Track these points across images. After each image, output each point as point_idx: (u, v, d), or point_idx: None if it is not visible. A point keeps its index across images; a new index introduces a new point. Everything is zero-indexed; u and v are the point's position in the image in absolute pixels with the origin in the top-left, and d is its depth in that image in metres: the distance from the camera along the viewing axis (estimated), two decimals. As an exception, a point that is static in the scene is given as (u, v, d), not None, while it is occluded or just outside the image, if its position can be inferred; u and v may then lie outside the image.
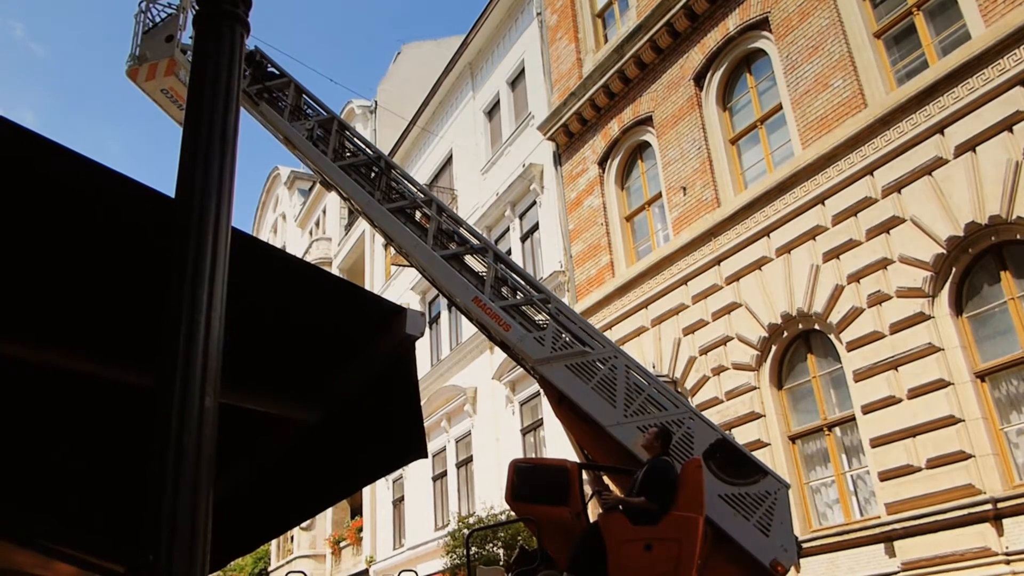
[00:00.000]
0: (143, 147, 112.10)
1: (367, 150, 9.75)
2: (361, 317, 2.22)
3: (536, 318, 8.09)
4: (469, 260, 8.63)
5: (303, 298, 2.17)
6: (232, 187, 1.82)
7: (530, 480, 6.78)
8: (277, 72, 10.13)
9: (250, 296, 2.02)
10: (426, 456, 2.34)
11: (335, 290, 2.24)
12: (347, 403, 2.45)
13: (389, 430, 2.41)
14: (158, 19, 10.31)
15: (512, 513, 7.74)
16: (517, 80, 19.19)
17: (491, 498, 15.77)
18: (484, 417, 18.20)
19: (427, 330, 20.63)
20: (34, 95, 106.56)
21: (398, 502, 22.44)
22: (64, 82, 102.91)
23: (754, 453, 8.43)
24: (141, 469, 1.66)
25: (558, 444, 13.37)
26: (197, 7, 2.01)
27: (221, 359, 1.68)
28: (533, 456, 15.65)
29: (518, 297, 8.28)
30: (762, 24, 12.17)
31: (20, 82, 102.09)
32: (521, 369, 9.71)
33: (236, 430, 2.31)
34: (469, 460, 18.76)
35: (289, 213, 36.96)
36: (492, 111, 20.18)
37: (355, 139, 9.88)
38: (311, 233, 33.30)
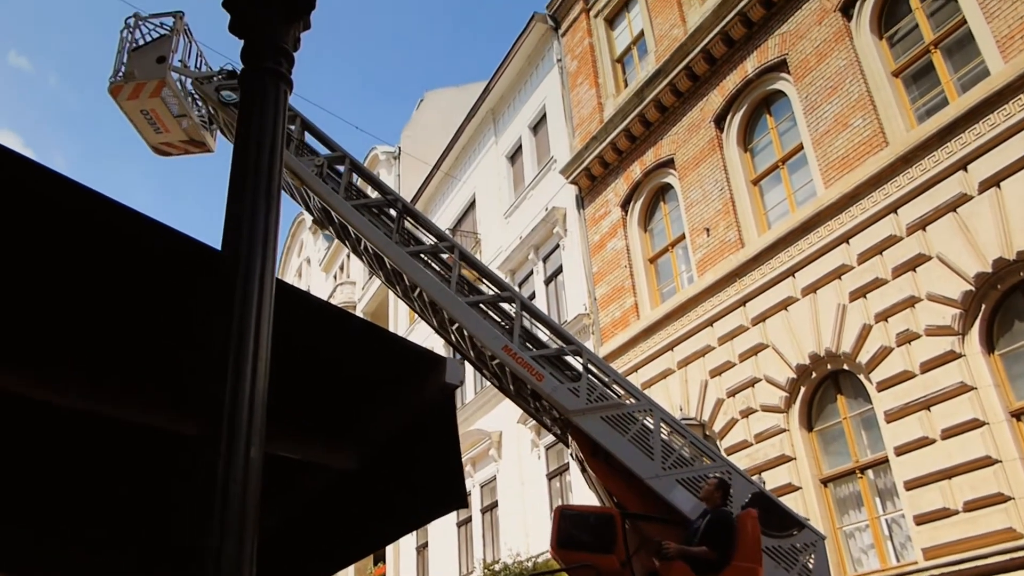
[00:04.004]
0: (165, 189, 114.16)
1: (382, 192, 9.34)
2: (400, 366, 2.25)
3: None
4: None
5: (343, 347, 2.20)
6: (276, 240, 1.87)
7: (577, 527, 6.77)
8: None
9: (291, 345, 2.06)
10: (465, 506, 2.35)
11: (374, 338, 2.27)
12: (385, 451, 2.47)
13: (427, 479, 2.43)
14: (148, 38, 10.11)
15: (543, 558, 7.68)
16: (539, 125, 19.44)
17: (517, 544, 15.57)
18: (509, 462, 18.05)
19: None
20: (65, 141, 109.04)
21: (422, 548, 22.20)
22: (93, 128, 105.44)
23: (785, 497, 8.30)
24: (175, 511, 1.69)
25: (584, 490, 13.21)
26: (243, 64, 2.08)
27: (266, 410, 1.71)
28: (561, 503, 15.46)
29: (536, 347, 8.25)
30: (780, 66, 12.29)
31: (52, 130, 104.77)
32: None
33: (274, 476, 2.34)
34: (494, 505, 18.57)
35: (314, 257, 37.36)
36: (515, 156, 20.41)
37: (370, 179, 9.55)
38: (335, 277, 33.57)
